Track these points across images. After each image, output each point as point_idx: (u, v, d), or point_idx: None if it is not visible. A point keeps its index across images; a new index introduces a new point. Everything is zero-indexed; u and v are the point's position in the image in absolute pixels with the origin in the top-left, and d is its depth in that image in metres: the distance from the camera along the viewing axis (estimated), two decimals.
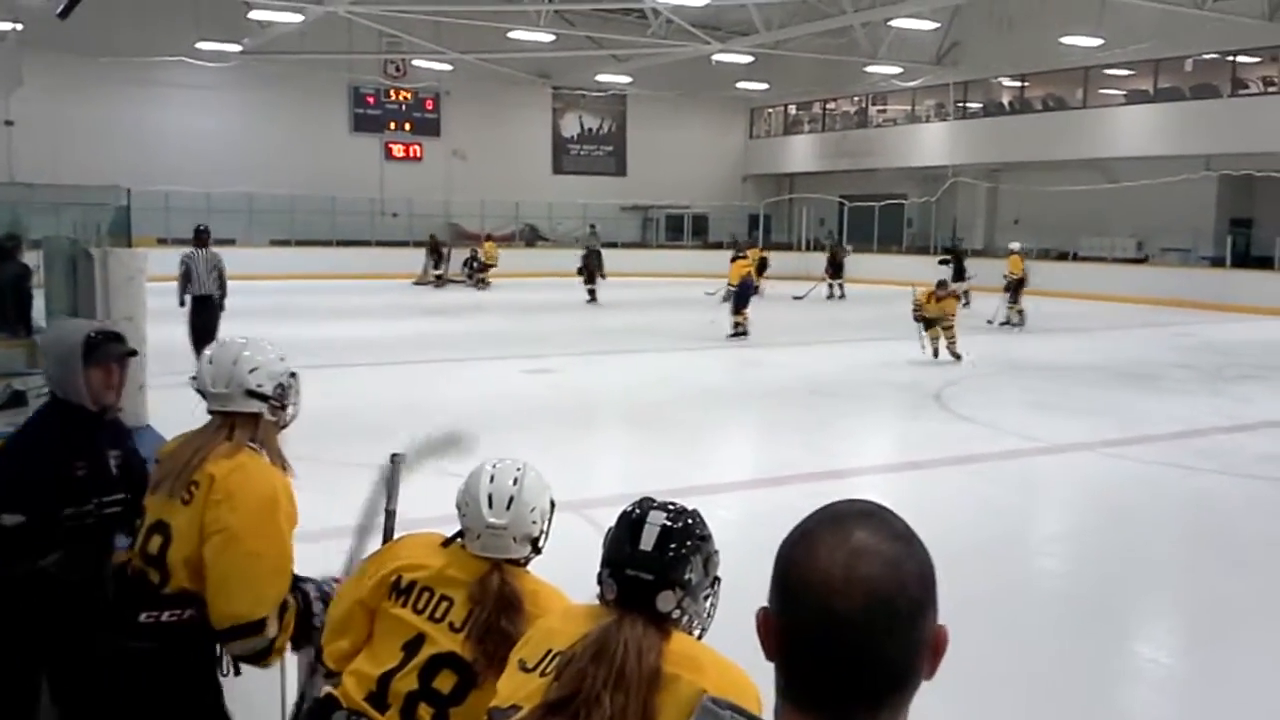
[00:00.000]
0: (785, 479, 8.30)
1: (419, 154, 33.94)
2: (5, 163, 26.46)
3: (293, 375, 2.84)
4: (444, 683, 2.25)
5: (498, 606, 2.26)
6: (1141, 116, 26.43)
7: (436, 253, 27.64)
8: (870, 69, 30.96)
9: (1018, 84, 30.66)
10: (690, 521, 2.04)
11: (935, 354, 14.71)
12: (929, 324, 14.80)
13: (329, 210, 30.45)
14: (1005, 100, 31.54)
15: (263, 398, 2.76)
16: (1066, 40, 25.41)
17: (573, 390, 12.62)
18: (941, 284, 15.43)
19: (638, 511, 2.04)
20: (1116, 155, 26.66)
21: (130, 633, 2.67)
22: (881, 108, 35.28)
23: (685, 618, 1.99)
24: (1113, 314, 22.45)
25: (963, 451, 9.44)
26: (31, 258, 9.77)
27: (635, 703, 1.85)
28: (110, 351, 3.11)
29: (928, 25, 27.19)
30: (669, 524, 2.00)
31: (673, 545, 1.98)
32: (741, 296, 17.15)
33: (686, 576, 1.97)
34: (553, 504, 2.45)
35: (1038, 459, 9.41)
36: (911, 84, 32.43)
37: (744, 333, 16.95)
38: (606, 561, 2.02)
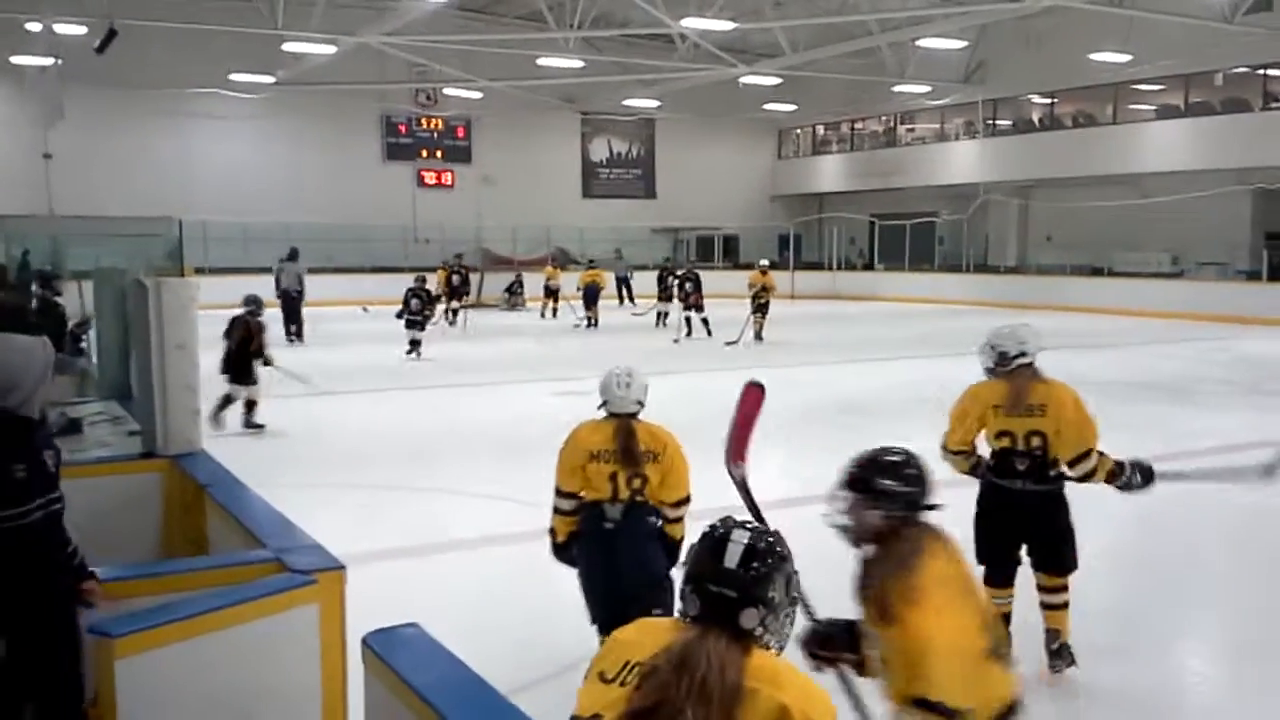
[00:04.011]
0: (818, 497, 8.29)
1: (450, 181, 34.24)
2: (44, 195, 26.87)
3: None
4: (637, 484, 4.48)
5: (624, 433, 4.55)
6: (1173, 131, 26.31)
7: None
8: (898, 88, 31.02)
9: (1047, 101, 30.58)
10: (772, 540, 2.05)
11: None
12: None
13: (363, 238, 30.78)
14: (1035, 117, 31.46)
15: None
16: (1095, 57, 25.37)
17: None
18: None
19: (721, 529, 2.06)
20: (1148, 170, 26.54)
21: None
22: (910, 126, 35.29)
23: (766, 636, 1.99)
24: (1148, 329, 22.27)
25: None
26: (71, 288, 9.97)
27: (717, 716, 1.84)
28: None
29: (955, 44, 27.20)
30: (752, 543, 2.02)
31: (755, 564, 1.99)
32: (590, 296, 23.30)
33: (770, 595, 1.98)
34: (645, 387, 4.72)
35: None
36: (940, 103, 32.44)
37: (594, 324, 22.79)
38: (689, 578, 2.03)
